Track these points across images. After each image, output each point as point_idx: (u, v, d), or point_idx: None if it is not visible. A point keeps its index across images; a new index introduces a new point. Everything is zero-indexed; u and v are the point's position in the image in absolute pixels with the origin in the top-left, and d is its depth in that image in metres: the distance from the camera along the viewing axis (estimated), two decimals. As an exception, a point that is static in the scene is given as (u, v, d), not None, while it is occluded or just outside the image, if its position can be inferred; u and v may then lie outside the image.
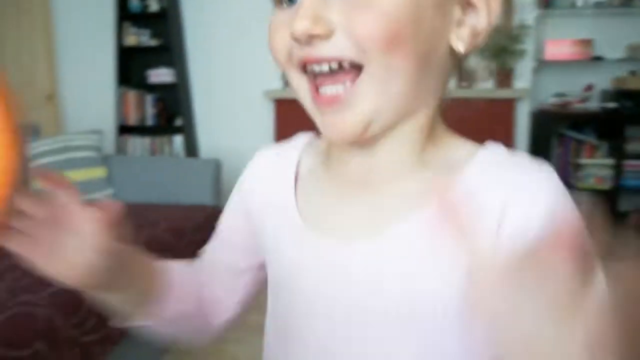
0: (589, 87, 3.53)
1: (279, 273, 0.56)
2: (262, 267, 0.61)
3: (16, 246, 0.44)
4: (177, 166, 3.17)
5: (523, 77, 3.45)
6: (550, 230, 0.29)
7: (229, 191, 0.63)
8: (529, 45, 3.35)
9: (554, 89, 3.59)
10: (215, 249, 0.64)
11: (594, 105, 3.51)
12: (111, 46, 3.83)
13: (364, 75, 0.43)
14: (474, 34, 0.46)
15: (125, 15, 3.77)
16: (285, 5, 0.46)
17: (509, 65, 3.33)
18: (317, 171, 0.55)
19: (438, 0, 0.44)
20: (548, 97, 3.57)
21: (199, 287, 0.61)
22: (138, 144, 3.91)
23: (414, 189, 0.48)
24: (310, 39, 0.42)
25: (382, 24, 0.41)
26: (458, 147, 0.51)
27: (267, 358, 0.59)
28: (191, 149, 3.86)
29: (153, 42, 3.79)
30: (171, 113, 3.90)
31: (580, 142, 3.46)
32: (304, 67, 0.45)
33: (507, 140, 3.36)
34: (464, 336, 0.45)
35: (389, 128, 0.47)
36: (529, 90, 3.45)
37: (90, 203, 0.46)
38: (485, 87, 3.40)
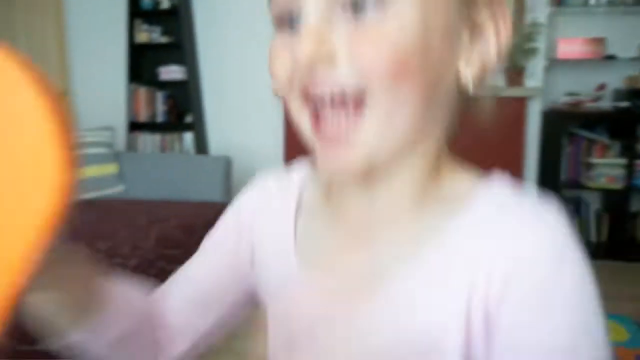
0: (602, 86, 3.50)
1: (275, 312, 0.55)
2: (233, 306, 0.59)
3: None
4: (189, 163, 3.19)
5: (535, 75, 3.43)
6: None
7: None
8: (540, 44, 3.33)
9: (565, 87, 3.56)
10: (190, 268, 0.60)
11: (606, 104, 3.48)
12: (122, 43, 3.85)
13: (367, 109, 0.41)
14: (483, 60, 0.44)
15: (137, 12, 3.78)
16: (287, 29, 0.44)
17: (520, 64, 3.31)
18: (317, 207, 0.54)
19: (446, 26, 0.42)
20: (560, 96, 3.54)
21: (150, 308, 0.56)
22: (148, 141, 3.92)
23: (414, 233, 0.46)
24: (314, 65, 0.40)
25: (388, 54, 0.39)
26: (461, 181, 0.48)
27: None
28: (201, 146, 3.88)
29: (164, 39, 3.80)
30: (181, 110, 3.91)
31: (592, 142, 3.43)
32: (306, 95, 0.43)
33: (518, 139, 3.34)
34: None
35: (392, 163, 0.45)
36: (541, 89, 3.42)
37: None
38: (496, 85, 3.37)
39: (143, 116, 3.90)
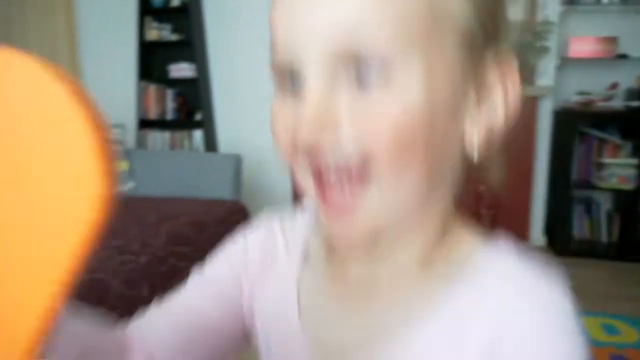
0: (614, 86, 3.47)
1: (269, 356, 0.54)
2: (226, 340, 0.57)
3: None
4: (199, 161, 3.20)
5: (546, 74, 3.41)
6: None
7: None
8: (552, 42, 3.31)
9: (577, 86, 3.53)
10: (179, 299, 0.57)
11: (618, 103, 3.45)
12: (133, 41, 3.87)
13: (371, 179, 0.40)
14: (490, 122, 0.43)
15: (147, 10, 3.81)
16: (288, 87, 0.42)
17: (531, 63, 3.29)
18: (321, 262, 0.52)
19: (453, 96, 0.41)
20: (571, 95, 3.51)
21: (114, 344, 0.51)
22: (158, 138, 3.94)
23: (417, 299, 0.45)
24: (317, 131, 0.38)
25: (392, 135, 0.38)
26: (466, 244, 0.47)
27: None
28: (210, 143, 3.89)
29: (174, 37, 3.82)
30: (191, 108, 3.92)
31: (603, 141, 3.41)
32: (309, 162, 0.41)
33: (529, 139, 3.32)
34: None
35: (397, 229, 0.44)
36: (552, 88, 3.40)
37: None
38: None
39: (153, 114, 3.92)
